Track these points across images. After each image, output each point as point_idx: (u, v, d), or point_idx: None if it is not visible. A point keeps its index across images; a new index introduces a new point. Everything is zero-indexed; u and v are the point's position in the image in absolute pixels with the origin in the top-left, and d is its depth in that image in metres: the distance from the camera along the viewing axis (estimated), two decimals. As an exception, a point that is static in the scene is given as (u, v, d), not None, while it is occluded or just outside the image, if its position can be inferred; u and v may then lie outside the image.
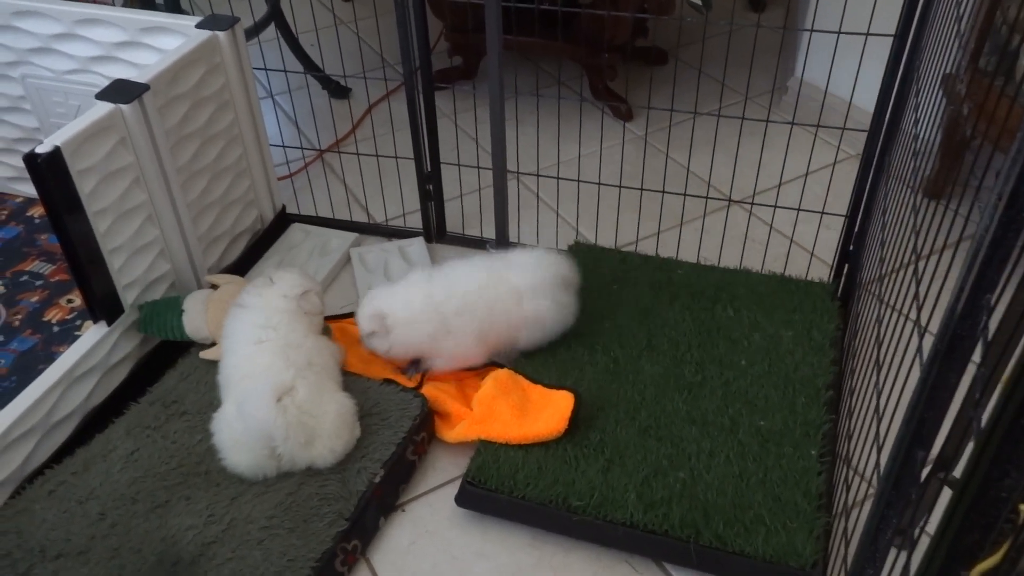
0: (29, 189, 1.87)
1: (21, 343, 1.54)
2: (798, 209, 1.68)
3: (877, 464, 0.93)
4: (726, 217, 1.80)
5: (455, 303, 1.42)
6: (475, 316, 1.43)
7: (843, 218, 1.62)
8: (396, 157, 1.87)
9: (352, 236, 1.88)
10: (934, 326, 0.71)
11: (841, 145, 1.96)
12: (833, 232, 1.72)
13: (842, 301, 1.62)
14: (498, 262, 1.50)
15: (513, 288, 1.45)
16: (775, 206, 1.67)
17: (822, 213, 1.65)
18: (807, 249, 1.78)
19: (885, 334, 1.06)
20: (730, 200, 1.85)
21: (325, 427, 1.27)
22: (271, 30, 2.29)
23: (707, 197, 1.72)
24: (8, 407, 1.30)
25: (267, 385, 1.25)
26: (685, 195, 1.70)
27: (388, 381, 1.45)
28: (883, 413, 0.97)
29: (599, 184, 1.76)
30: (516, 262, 1.49)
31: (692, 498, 1.26)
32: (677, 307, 1.59)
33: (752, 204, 1.82)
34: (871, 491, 1.22)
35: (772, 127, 1.75)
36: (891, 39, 1.35)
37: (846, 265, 1.64)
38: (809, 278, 1.67)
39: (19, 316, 1.59)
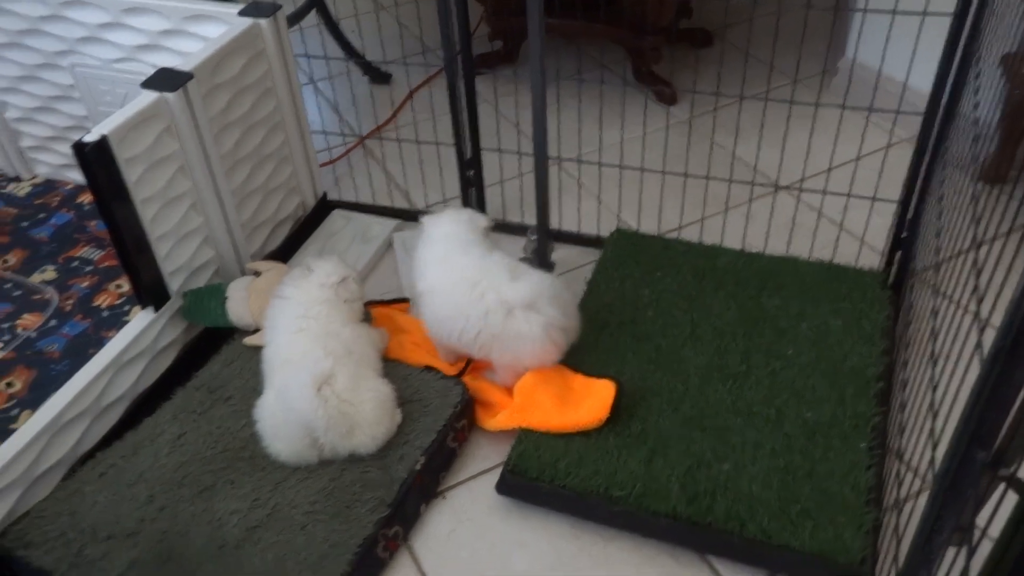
0: (79, 176, 1.90)
1: (72, 327, 1.56)
2: (848, 195, 1.64)
3: (932, 462, 0.91)
4: (773, 203, 1.76)
5: None
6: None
7: (896, 204, 1.57)
8: (436, 143, 1.86)
9: (393, 222, 1.87)
10: (996, 318, 0.68)
11: (894, 129, 1.91)
12: (885, 219, 1.68)
13: (893, 290, 1.58)
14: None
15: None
16: (824, 192, 1.63)
17: (873, 199, 1.61)
18: (857, 236, 1.74)
19: (941, 326, 1.03)
20: (777, 186, 1.81)
21: (365, 415, 1.28)
22: (312, 16, 2.29)
23: (753, 183, 1.69)
24: (61, 390, 1.33)
25: (307, 376, 1.26)
26: (730, 181, 1.67)
27: (429, 368, 1.45)
28: (939, 409, 0.94)
29: (642, 170, 1.74)
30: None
31: (737, 490, 1.24)
32: (721, 295, 1.57)
33: (800, 190, 1.77)
34: (924, 487, 1.19)
35: (821, 111, 1.70)
36: (949, 18, 1.30)
37: (898, 253, 1.59)
38: (859, 266, 1.63)
39: (71, 301, 1.62)
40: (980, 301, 0.84)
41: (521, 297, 1.32)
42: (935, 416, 0.94)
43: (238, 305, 1.50)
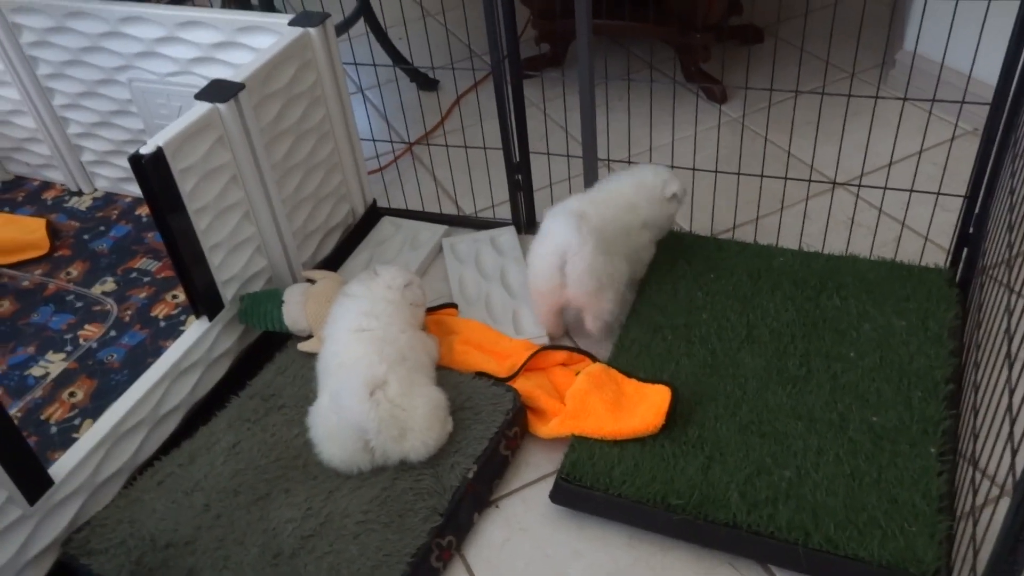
0: (137, 189, 1.93)
1: (132, 337, 1.58)
2: (911, 191, 1.58)
3: (1012, 467, 0.85)
4: (831, 201, 1.71)
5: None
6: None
7: (962, 199, 1.51)
8: (484, 148, 1.85)
9: (442, 228, 1.87)
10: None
11: (958, 121, 1.84)
12: (950, 214, 1.61)
13: (960, 288, 1.52)
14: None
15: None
16: (884, 188, 1.58)
17: (937, 194, 1.55)
18: (920, 233, 1.68)
19: (1018, 326, 0.97)
20: (835, 183, 1.76)
21: (417, 420, 1.27)
22: (360, 25, 2.30)
23: (810, 180, 1.64)
24: (120, 400, 1.34)
25: (359, 379, 1.26)
26: (786, 179, 1.63)
27: (480, 375, 1.43)
28: (1017, 413, 0.89)
29: (694, 169, 1.70)
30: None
31: (800, 498, 1.20)
32: (778, 296, 1.52)
33: (859, 186, 1.72)
34: (1004, 494, 1.13)
35: (881, 104, 1.65)
36: (1017, 2, 1.24)
37: (965, 249, 1.53)
38: (923, 264, 1.57)
39: (129, 311, 1.64)
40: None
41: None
42: (1013, 420, 0.89)
43: (295, 309, 1.50)
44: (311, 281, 1.57)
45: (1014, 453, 0.86)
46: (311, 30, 1.59)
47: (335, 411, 1.28)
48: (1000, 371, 1.00)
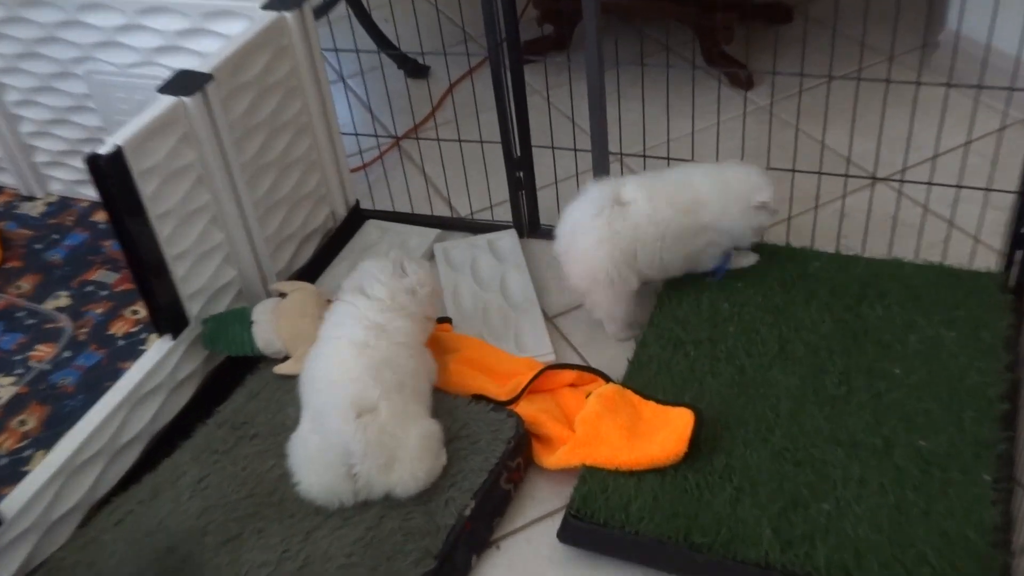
0: (94, 193, 1.93)
1: (87, 359, 1.59)
2: (958, 186, 1.58)
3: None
4: (870, 198, 1.71)
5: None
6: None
7: (1015, 195, 1.50)
8: (481, 141, 1.85)
9: (434, 232, 1.87)
10: None
11: (1009, 109, 1.84)
12: (1001, 212, 1.62)
13: (1015, 294, 1.52)
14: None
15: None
16: (929, 183, 1.58)
17: (987, 190, 1.55)
18: (970, 233, 1.68)
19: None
20: (875, 178, 1.76)
21: (407, 450, 1.27)
22: (341, 7, 2.31)
23: (847, 175, 1.65)
24: (75, 428, 1.34)
25: (347, 398, 1.26)
26: (820, 173, 1.63)
27: (478, 398, 1.43)
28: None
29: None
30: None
31: (840, 534, 1.20)
32: (814, 306, 1.52)
33: (902, 181, 1.72)
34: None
35: (923, 91, 1.65)
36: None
37: (1018, 252, 1.53)
38: (974, 267, 1.57)
39: (85, 329, 1.64)
40: None
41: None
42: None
43: (266, 330, 1.50)
44: (282, 294, 1.56)
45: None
46: (287, 14, 1.59)
47: (317, 431, 1.29)
48: (1064, 389, 1.00)
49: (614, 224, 1.49)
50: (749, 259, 1.60)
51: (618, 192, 1.52)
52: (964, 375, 1.37)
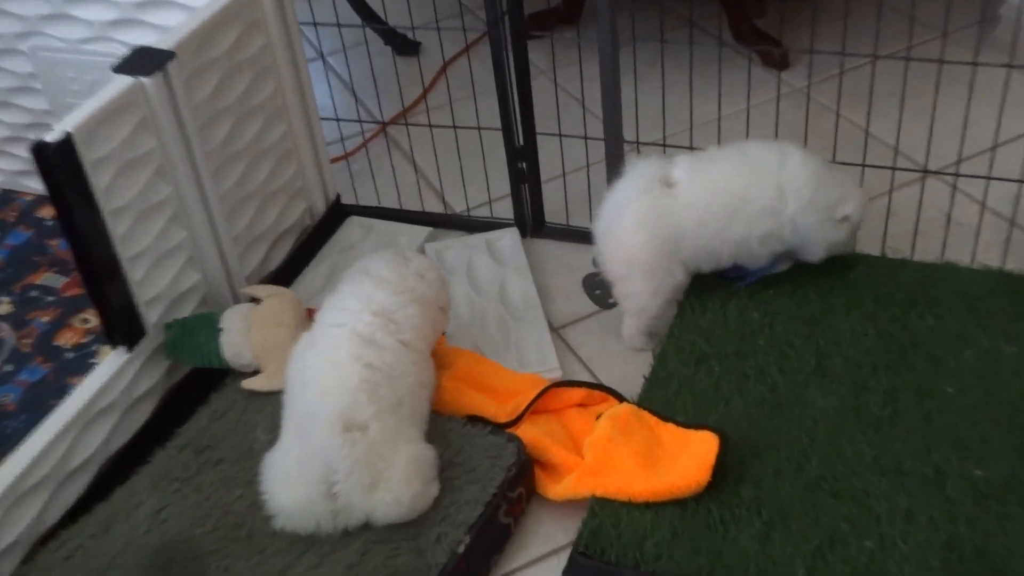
0: (40, 185, 1.94)
1: (31, 373, 1.60)
2: (1020, 181, 1.59)
3: None
4: (921, 193, 1.72)
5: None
6: None
7: (1086, 191, 1.52)
8: (479, 128, 1.86)
9: (425, 231, 1.88)
10: None
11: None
12: (1073, 209, 1.63)
13: (1086, 304, 1.53)
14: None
15: None
16: (988, 177, 1.59)
17: (1053, 185, 1.56)
18: (1034, 234, 1.69)
19: None
20: (925, 171, 1.77)
21: (394, 472, 1.29)
22: (321, -26, 2.32)
23: (894, 168, 1.66)
24: (17, 452, 1.35)
25: (336, 409, 1.28)
26: (864, 165, 1.64)
27: (474, 419, 1.44)
28: None
29: (746, 155, 1.71)
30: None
31: (884, 575, 1.20)
32: (856, 316, 1.54)
33: (956, 175, 1.73)
34: None
35: (981, 72, 1.66)
36: None
37: (1092, 255, 1.54)
38: (1040, 273, 1.58)
39: (29, 340, 1.65)
40: None
41: None
42: None
43: (236, 338, 1.51)
44: (255, 300, 1.58)
45: None
46: (258, -18, 1.61)
47: (299, 441, 1.30)
48: None
49: (658, 206, 1.52)
50: (782, 264, 1.61)
51: (667, 172, 1.55)
52: (1026, 395, 1.39)
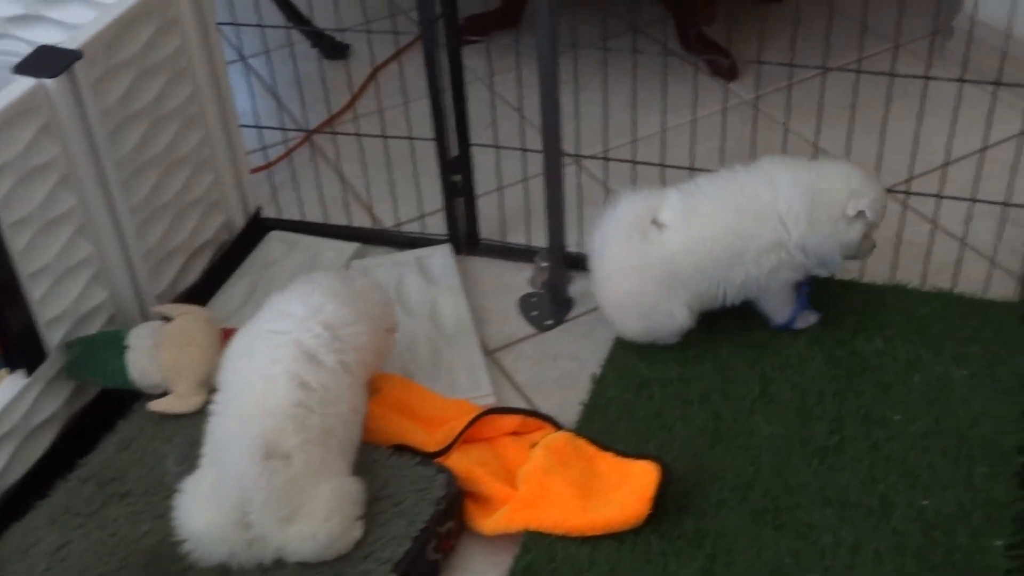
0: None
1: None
2: (972, 199, 1.64)
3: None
4: (870, 212, 1.76)
5: None
6: None
7: (1036, 211, 1.58)
8: (411, 138, 1.88)
9: (352, 247, 1.88)
10: None
11: (1033, 108, 1.92)
12: (1020, 231, 1.68)
13: (1037, 327, 1.58)
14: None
15: None
16: (938, 195, 1.63)
17: (1005, 204, 1.61)
18: (985, 255, 1.74)
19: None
20: (876, 188, 1.81)
21: (314, 505, 1.29)
22: (242, -30, 2.32)
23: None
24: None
25: (259, 437, 1.27)
26: (812, 183, 1.67)
27: (401, 449, 1.45)
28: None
29: (692, 169, 1.74)
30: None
31: (828, 611, 1.24)
32: (803, 340, 1.57)
33: (907, 193, 1.77)
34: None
35: (933, 86, 1.71)
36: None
37: (1042, 277, 1.60)
38: (989, 296, 1.63)
39: (-88, 363, 1.62)
40: None
41: None
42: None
43: (143, 358, 1.51)
44: (166, 319, 1.57)
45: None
46: (173, -21, 1.61)
47: (216, 464, 1.30)
48: (1081, 439, 1.05)
49: (646, 253, 1.54)
50: (810, 319, 1.62)
51: (656, 211, 1.56)
52: (976, 423, 1.43)
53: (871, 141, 1.80)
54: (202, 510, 1.30)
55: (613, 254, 1.57)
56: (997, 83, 1.54)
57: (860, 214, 1.52)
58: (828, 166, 1.58)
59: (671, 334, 1.59)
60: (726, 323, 1.61)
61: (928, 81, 1.68)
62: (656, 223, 1.55)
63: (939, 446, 1.41)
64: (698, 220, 1.54)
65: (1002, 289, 1.67)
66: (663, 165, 1.75)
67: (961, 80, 1.59)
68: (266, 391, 1.33)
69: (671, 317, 1.56)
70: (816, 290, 1.62)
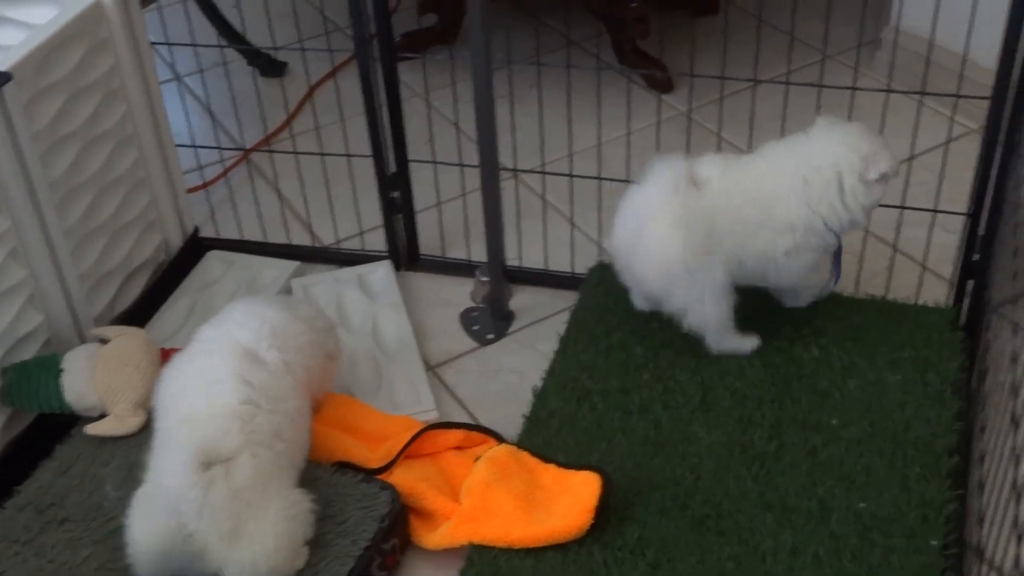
0: None
1: None
2: (901, 207, 1.67)
3: (1017, 560, 0.93)
4: (804, 221, 1.79)
5: None
6: None
7: (964, 217, 1.61)
8: (348, 155, 1.88)
9: (292, 265, 1.89)
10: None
11: (958, 117, 1.96)
12: (952, 236, 1.72)
13: (967, 331, 1.62)
14: None
15: None
16: (870, 203, 1.67)
17: (934, 211, 1.65)
18: (916, 260, 1.78)
19: (1023, 377, 1.06)
20: (809, 197, 1.85)
21: (260, 529, 1.27)
22: (175, -11, 2.32)
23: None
24: None
25: (193, 443, 1.25)
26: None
27: (344, 466, 1.45)
28: (1023, 489, 0.97)
29: (628, 181, 1.77)
30: None
31: (769, 614, 1.26)
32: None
33: (839, 201, 1.81)
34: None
35: (861, 96, 1.75)
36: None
37: (970, 282, 1.64)
38: (921, 301, 1.67)
39: None
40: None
41: None
42: (1019, 499, 0.97)
43: (78, 380, 1.50)
44: (104, 341, 1.57)
45: (1019, 540, 0.94)
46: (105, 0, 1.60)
47: (155, 474, 1.29)
48: (1006, 436, 1.08)
49: (690, 206, 1.51)
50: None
51: (693, 169, 1.54)
52: (910, 426, 1.46)
53: (803, 151, 1.83)
54: (144, 519, 1.28)
55: (658, 216, 1.52)
56: (922, 92, 1.58)
57: (883, 176, 1.52)
58: (830, 140, 1.56)
59: (719, 294, 1.55)
60: (664, 333, 1.63)
61: (855, 92, 1.72)
62: (694, 182, 1.54)
63: (875, 450, 1.44)
64: (737, 180, 1.55)
65: (933, 294, 1.71)
66: (600, 178, 1.77)
67: (888, 90, 1.63)
68: (210, 392, 1.32)
69: (712, 276, 1.53)
70: (751, 299, 1.65)
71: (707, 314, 1.56)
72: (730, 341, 1.59)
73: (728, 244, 1.53)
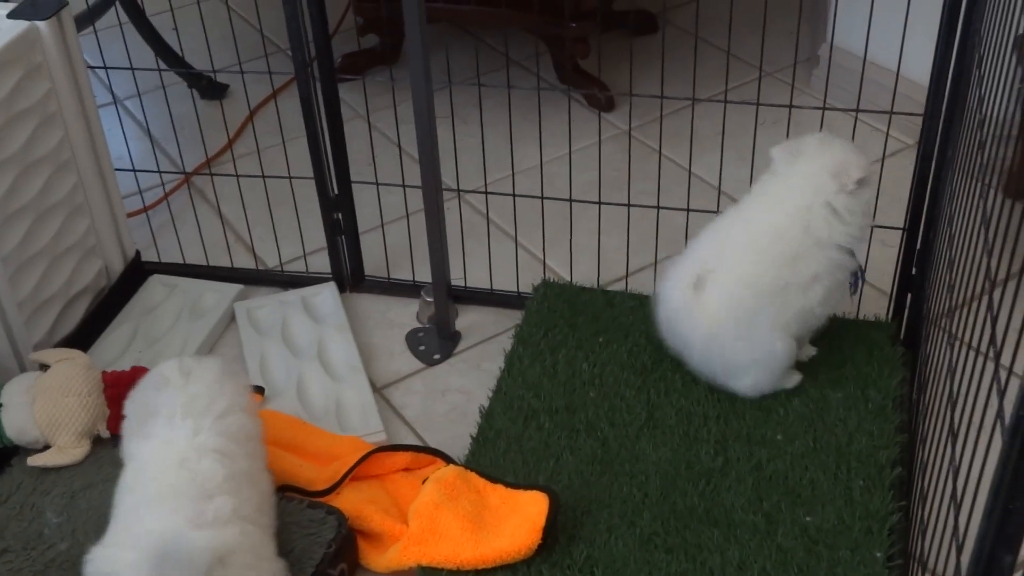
0: None
1: None
2: (844, 222, 1.71)
3: (958, 570, 0.95)
4: (745, 237, 1.82)
5: None
6: None
7: (901, 232, 1.65)
8: (290, 177, 1.88)
9: (235, 288, 1.88)
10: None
11: (893, 133, 2.00)
12: (890, 251, 1.76)
13: (907, 345, 1.65)
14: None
15: None
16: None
17: (872, 226, 1.68)
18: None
19: (959, 390, 1.08)
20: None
21: None
22: (112, 14, 2.30)
23: (718, 211, 1.74)
24: None
25: (205, 547, 1.18)
26: (688, 210, 1.72)
27: (288, 490, 1.44)
28: (962, 499, 0.99)
29: (571, 200, 1.78)
30: None
31: (718, 629, 1.27)
32: (686, 366, 1.61)
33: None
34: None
35: (798, 113, 1.78)
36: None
37: (909, 295, 1.67)
38: (861, 316, 1.70)
39: None
40: (999, 355, 0.90)
41: None
42: (958, 509, 0.99)
43: (17, 414, 1.48)
44: (44, 367, 1.55)
45: (959, 550, 0.95)
46: (40, 24, 1.60)
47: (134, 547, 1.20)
48: (944, 448, 1.11)
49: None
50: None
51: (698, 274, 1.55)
52: (852, 440, 1.49)
53: (743, 167, 1.86)
54: None
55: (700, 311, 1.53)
56: (857, 109, 1.62)
57: (861, 180, 1.51)
58: (800, 176, 1.56)
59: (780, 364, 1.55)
60: (610, 350, 1.64)
61: (792, 109, 1.75)
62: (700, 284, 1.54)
63: (819, 464, 1.46)
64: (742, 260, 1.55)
65: (873, 309, 1.73)
66: (543, 197, 1.78)
67: (824, 108, 1.66)
68: (186, 459, 1.26)
69: (772, 345, 1.53)
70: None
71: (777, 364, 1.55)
72: (783, 380, 1.58)
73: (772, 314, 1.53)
